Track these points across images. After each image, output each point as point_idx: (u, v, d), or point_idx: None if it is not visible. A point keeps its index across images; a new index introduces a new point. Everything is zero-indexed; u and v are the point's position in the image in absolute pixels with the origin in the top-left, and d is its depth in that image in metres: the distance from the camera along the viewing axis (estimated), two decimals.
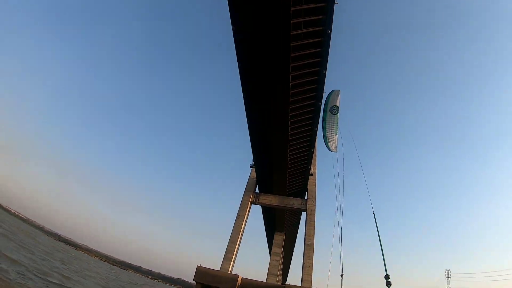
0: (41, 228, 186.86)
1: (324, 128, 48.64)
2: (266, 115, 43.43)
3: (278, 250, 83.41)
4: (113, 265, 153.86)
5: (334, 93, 49.55)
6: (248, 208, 63.75)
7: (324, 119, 48.52)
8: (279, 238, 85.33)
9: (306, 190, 69.35)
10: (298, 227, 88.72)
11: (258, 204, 66.05)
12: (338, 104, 48.56)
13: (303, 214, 76.66)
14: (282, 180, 65.41)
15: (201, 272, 58.91)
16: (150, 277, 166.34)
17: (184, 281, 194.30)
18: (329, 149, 50.38)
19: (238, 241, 60.73)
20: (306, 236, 63.41)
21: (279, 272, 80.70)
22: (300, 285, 56.77)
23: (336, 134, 49.76)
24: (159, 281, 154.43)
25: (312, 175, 65.61)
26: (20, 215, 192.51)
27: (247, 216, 63.69)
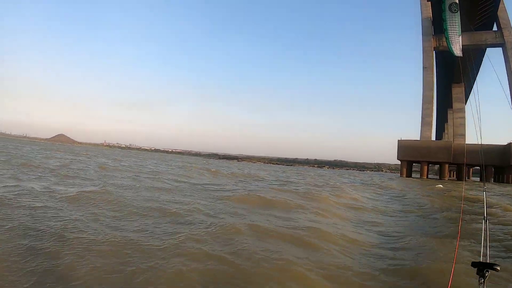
0: (198, 154, 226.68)
1: (445, 29, 44.51)
2: None
3: (460, 105, 68.61)
4: (278, 164, 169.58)
5: None
6: (433, 56, 51.52)
7: (444, 20, 44.01)
8: (458, 90, 68.79)
9: (496, 18, 52.65)
10: (478, 72, 70.28)
11: (443, 49, 51.70)
12: (457, 0, 42.81)
13: (489, 53, 58.94)
14: (473, 3, 49.44)
15: (405, 147, 54.10)
16: (315, 165, 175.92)
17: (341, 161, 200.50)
18: (452, 53, 45.53)
19: (434, 100, 50.96)
20: None
21: (465, 131, 69.35)
22: None
23: (460, 35, 44.33)
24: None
25: None
26: (178, 150, 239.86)
27: (435, 66, 53.37)
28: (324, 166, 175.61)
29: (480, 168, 43.20)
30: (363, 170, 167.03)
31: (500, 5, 47.84)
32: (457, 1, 44.17)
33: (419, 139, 47.47)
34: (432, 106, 48.23)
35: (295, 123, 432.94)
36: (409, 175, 46.91)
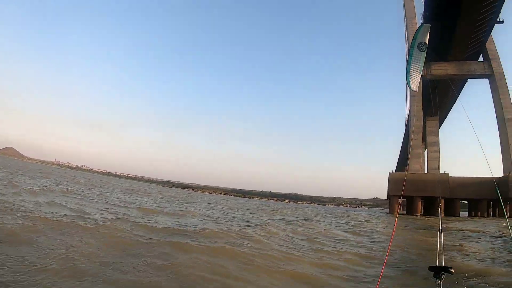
0: (151, 181, 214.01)
1: (408, 63, 45.32)
2: None
3: (434, 138, 62.21)
4: (235, 195, 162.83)
5: (423, 28, 43.82)
6: (421, 83, 51.03)
7: (410, 55, 45.32)
8: (432, 123, 62.44)
9: (484, 50, 50.03)
10: (453, 105, 67.04)
11: (430, 76, 49.35)
12: (426, 41, 43.42)
13: (466, 85, 58.64)
14: (466, 33, 47.46)
15: (397, 181, 44.58)
16: (275, 198, 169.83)
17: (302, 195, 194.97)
18: (409, 87, 46.42)
19: (422, 130, 48.28)
20: (502, 109, 45.74)
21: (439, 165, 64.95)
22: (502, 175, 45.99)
23: (421, 73, 45.09)
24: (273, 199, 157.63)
25: (502, 23, 46.90)
26: (130, 175, 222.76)
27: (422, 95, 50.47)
28: (284, 200, 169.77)
29: (437, 199, 40.81)
30: (324, 204, 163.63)
31: (489, 37, 47.26)
32: (427, 42, 43.47)
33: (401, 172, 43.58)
34: (420, 136, 44.84)
35: (249, 154, 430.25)
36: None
